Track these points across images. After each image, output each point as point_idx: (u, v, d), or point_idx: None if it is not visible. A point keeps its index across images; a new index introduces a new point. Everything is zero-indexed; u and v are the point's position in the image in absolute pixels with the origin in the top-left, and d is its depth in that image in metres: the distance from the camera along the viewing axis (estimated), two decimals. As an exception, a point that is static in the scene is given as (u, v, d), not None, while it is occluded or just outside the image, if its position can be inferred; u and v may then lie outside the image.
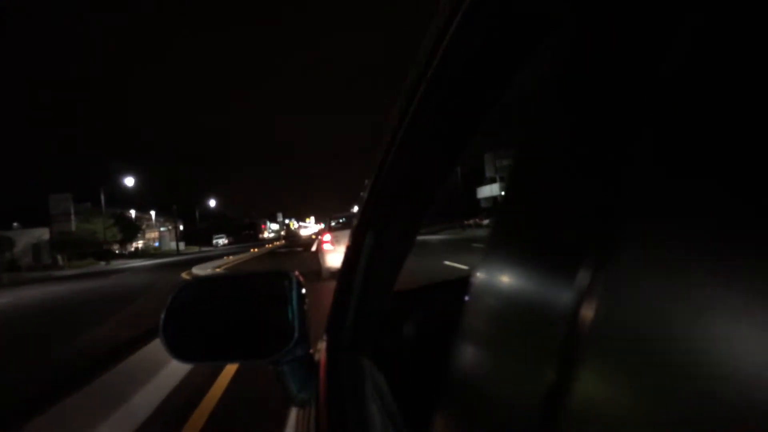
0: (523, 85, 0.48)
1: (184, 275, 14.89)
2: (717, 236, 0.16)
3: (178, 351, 0.81)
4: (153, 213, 67.46)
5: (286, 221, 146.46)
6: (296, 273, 0.83)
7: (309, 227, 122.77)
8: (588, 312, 0.21)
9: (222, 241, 72.96)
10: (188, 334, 0.84)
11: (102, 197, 40.74)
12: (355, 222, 0.91)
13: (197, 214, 75.75)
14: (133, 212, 60.08)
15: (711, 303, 0.16)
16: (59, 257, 39.31)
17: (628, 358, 0.19)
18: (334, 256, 9.31)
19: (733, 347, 0.15)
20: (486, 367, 0.32)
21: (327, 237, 9.76)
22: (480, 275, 0.34)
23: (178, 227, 74.14)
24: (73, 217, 41.06)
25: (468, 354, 0.35)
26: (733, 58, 0.17)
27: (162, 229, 66.39)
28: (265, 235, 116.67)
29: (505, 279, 0.32)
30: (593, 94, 0.25)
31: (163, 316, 0.80)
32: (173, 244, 63.86)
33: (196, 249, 62.71)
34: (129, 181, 43.61)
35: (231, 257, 25.84)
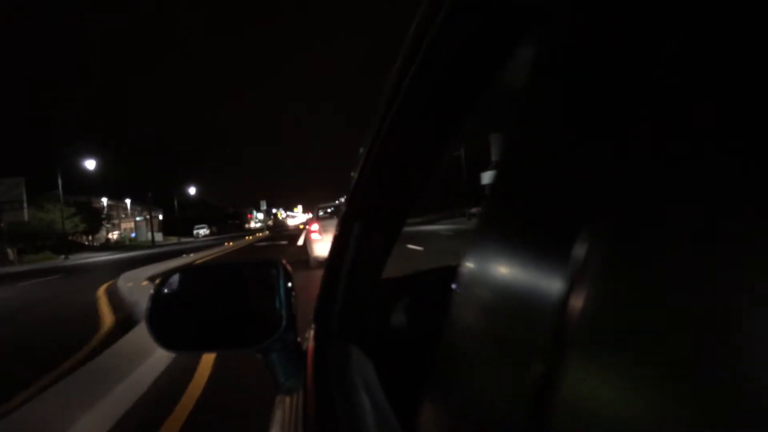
0: (513, 73, 0.48)
1: (101, 291, 10.03)
2: (707, 229, 0.16)
3: (164, 340, 0.80)
4: (128, 201, 62.09)
5: (273, 210, 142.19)
6: (284, 261, 0.83)
7: (297, 217, 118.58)
8: (577, 301, 0.21)
9: (203, 231, 67.73)
10: (175, 323, 0.83)
11: (59, 182, 35.65)
12: (342, 210, 0.89)
13: (177, 202, 70.62)
14: (105, 200, 54.93)
15: (699, 295, 0.16)
16: (9, 251, 34.27)
17: (617, 348, 0.19)
18: (321, 245, 9.32)
19: (720, 338, 0.15)
20: (473, 355, 0.32)
21: (315, 227, 9.69)
22: (468, 264, 0.34)
23: (154, 216, 69.23)
24: (26, 204, 35.86)
25: (456, 342, 0.35)
26: (726, 51, 0.17)
27: (138, 218, 61.12)
28: (252, 224, 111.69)
29: (494, 268, 0.31)
30: (586, 83, 0.25)
31: (149, 304, 0.80)
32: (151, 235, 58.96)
33: (174, 240, 58.00)
34: (90, 164, 38.26)
35: (192, 255, 20.96)
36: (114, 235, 57.83)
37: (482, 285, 0.33)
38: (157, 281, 0.83)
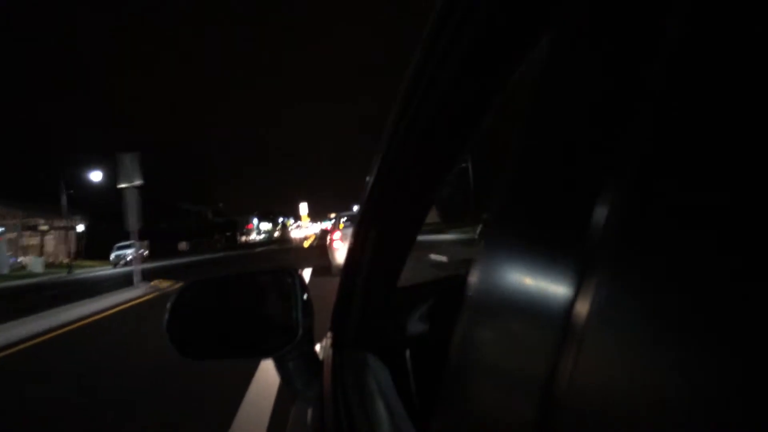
0: (519, 84, 0.49)
1: None
2: (709, 236, 0.16)
3: (183, 348, 0.84)
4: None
5: (280, 219, 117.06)
6: (300, 271, 0.86)
7: (309, 228, 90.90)
8: (585, 308, 0.21)
9: (129, 253, 35.87)
10: (193, 332, 0.86)
11: None
12: (357, 219, 0.92)
13: (100, 206, 42.10)
14: None
15: (702, 302, 0.16)
16: None
17: (625, 354, 0.19)
18: (343, 253, 10.39)
19: (722, 345, 0.15)
20: (484, 363, 0.33)
21: (337, 235, 10.62)
22: (477, 272, 0.35)
23: (70, 228, 40.06)
24: None
25: (467, 350, 0.36)
26: (726, 60, 0.17)
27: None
28: (252, 237, 79.28)
29: (503, 276, 0.32)
30: (590, 93, 0.26)
31: (167, 314, 0.83)
32: (40, 261, 30.58)
33: (64, 270, 29.47)
34: None
35: None
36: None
37: (492, 293, 0.34)
38: (177, 291, 0.86)
